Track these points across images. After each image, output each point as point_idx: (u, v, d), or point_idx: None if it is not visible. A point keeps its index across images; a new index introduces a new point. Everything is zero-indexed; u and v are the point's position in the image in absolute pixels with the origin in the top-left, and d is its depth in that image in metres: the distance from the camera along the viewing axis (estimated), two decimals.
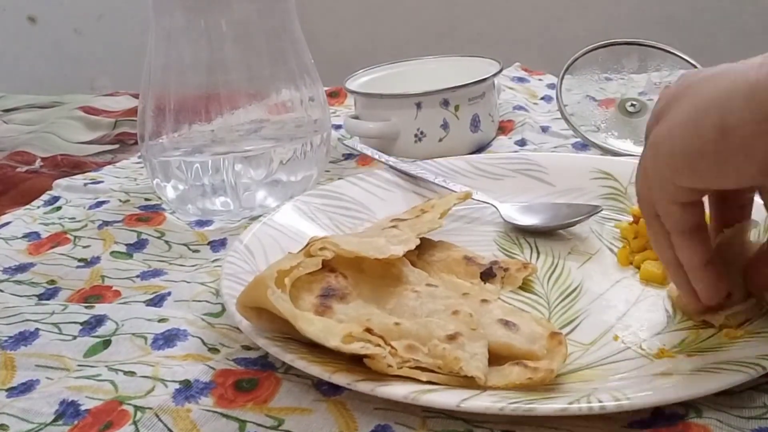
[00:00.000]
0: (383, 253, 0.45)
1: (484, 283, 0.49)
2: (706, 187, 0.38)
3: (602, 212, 0.56)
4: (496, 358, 0.39)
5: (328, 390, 0.40)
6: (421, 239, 0.50)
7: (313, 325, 0.38)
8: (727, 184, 0.36)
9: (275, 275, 0.40)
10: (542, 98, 0.95)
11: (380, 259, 0.45)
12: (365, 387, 0.36)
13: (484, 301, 0.44)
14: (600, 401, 0.34)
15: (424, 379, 0.37)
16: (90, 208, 0.70)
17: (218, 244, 0.60)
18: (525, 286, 0.50)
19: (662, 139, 0.37)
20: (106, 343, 0.46)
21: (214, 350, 0.45)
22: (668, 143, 0.36)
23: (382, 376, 0.37)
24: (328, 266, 0.44)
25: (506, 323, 0.41)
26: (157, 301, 0.51)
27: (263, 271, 0.42)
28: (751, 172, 0.34)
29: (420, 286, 0.45)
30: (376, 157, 0.68)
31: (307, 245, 0.44)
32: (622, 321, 0.45)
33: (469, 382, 0.37)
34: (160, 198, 0.68)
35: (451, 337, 0.39)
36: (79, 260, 0.59)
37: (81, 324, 0.49)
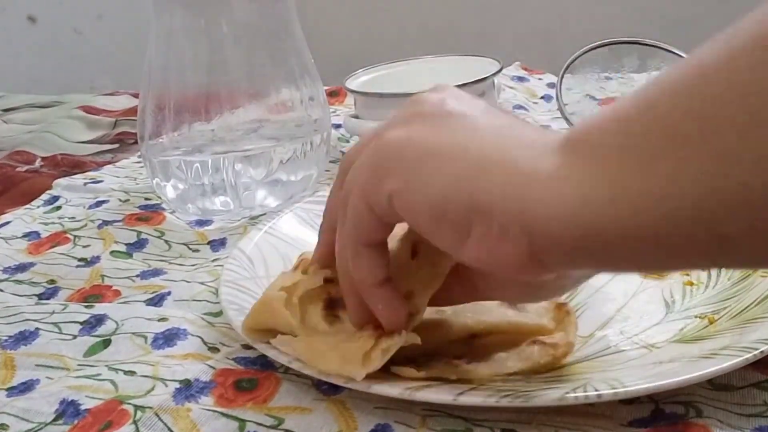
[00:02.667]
0: None
1: None
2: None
3: None
4: (512, 339, 0.40)
5: (327, 389, 0.40)
6: None
7: (332, 363, 0.37)
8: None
9: (283, 295, 0.39)
10: (542, 97, 0.95)
11: None
12: (362, 385, 0.36)
13: None
14: (596, 390, 0.34)
15: (421, 376, 0.37)
16: (90, 207, 0.70)
17: (218, 244, 0.60)
18: None
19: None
20: (106, 343, 0.46)
21: (214, 349, 0.45)
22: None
23: (379, 375, 0.37)
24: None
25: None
26: (157, 300, 0.51)
27: (265, 292, 0.41)
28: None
29: None
30: None
31: (299, 263, 0.43)
32: (620, 313, 0.45)
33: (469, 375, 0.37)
34: (159, 197, 0.68)
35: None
36: (79, 260, 0.59)
37: (81, 323, 0.49)
